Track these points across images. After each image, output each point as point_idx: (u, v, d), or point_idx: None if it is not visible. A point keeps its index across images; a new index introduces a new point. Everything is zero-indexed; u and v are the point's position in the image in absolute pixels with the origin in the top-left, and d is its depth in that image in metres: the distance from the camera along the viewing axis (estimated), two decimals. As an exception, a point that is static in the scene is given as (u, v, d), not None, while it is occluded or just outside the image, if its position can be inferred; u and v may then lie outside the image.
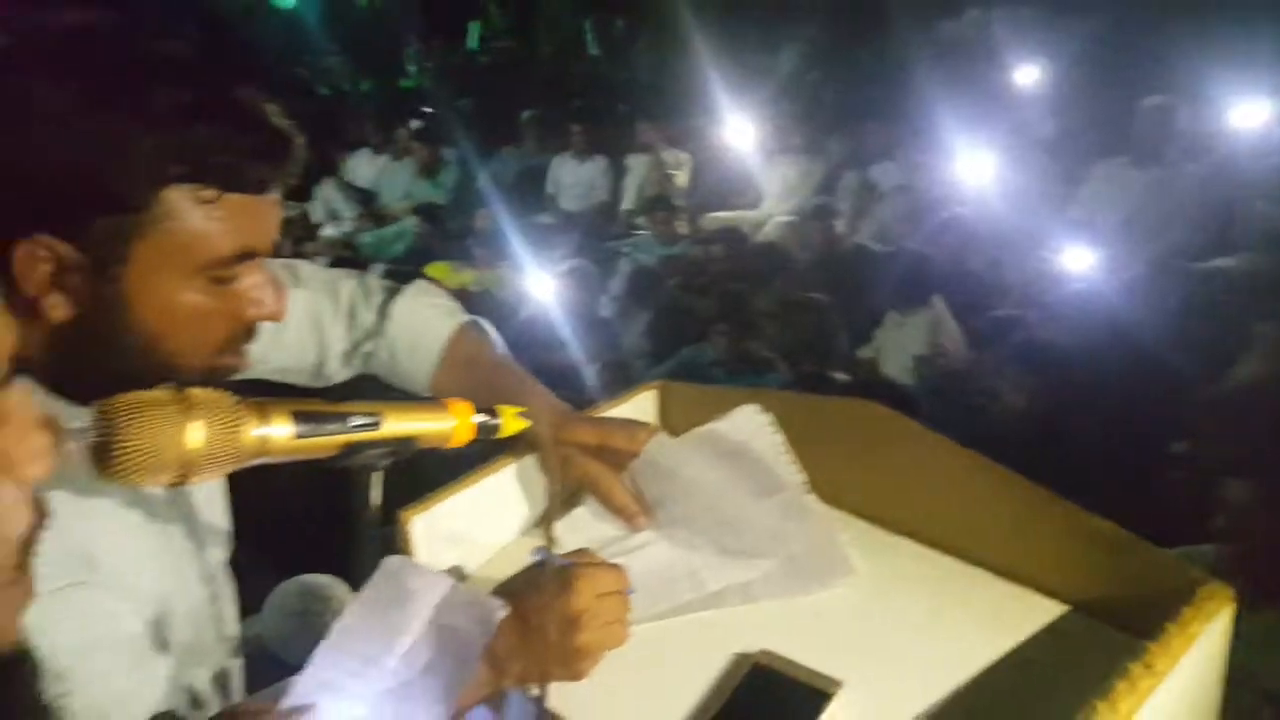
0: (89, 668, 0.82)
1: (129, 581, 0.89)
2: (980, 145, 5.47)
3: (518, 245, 5.37)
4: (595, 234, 5.90)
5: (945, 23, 7.99)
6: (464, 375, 1.21)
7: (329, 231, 6.84)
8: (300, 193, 7.18)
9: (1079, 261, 4.21)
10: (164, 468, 0.68)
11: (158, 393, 0.69)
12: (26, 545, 0.55)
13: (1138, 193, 4.94)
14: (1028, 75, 6.52)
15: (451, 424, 0.83)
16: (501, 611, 0.86)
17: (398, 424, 0.78)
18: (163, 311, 0.82)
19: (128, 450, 0.66)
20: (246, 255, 0.85)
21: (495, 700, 0.99)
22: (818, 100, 7.07)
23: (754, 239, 5.52)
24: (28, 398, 0.55)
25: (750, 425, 1.09)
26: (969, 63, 6.92)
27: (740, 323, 4.11)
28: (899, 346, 4.04)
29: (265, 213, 0.85)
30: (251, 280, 0.87)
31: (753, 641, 0.97)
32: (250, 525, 1.18)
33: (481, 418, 0.85)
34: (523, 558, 0.99)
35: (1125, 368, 2.88)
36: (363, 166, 7.93)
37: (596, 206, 6.55)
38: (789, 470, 1.07)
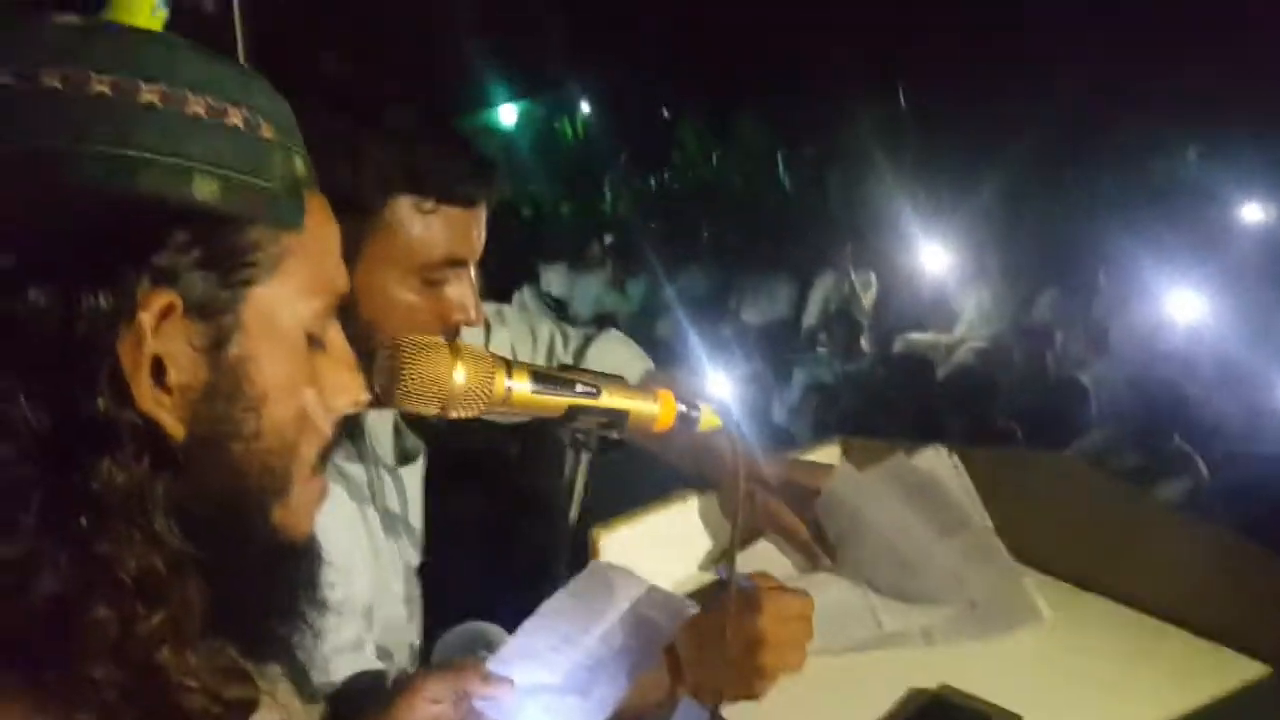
0: None
1: (329, 553, 0.99)
2: (1196, 282, 5.22)
3: (697, 353, 5.54)
4: (774, 346, 5.97)
5: (1161, 160, 7.80)
6: None
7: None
8: (500, 296, 7.69)
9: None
10: (432, 398, 0.81)
11: (433, 337, 0.83)
12: (325, 454, 0.66)
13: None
14: (1252, 213, 6.22)
15: (657, 408, 0.90)
16: (693, 609, 0.91)
17: (613, 398, 0.87)
18: (381, 305, 0.97)
19: (409, 378, 0.79)
20: (456, 262, 1.00)
21: (668, 706, 1.02)
22: (1019, 229, 6.98)
23: (946, 362, 5.43)
24: (341, 337, 0.67)
25: (936, 464, 1.10)
26: (1186, 199, 6.68)
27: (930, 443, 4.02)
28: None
29: (473, 226, 1.01)
30: (458, 288, 1.02)
31: (931, 676, 0.97)
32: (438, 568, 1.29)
33: (684, 408, 0.92)
34: (700, 590, 1.04)
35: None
36: (557, 277, 8.44)
37: (777, 321, 6.65)
38: (975, 510, 1.07)
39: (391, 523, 1.16)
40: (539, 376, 0.85)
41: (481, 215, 1.02)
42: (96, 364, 0.51)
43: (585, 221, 10.06)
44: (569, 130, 12.32)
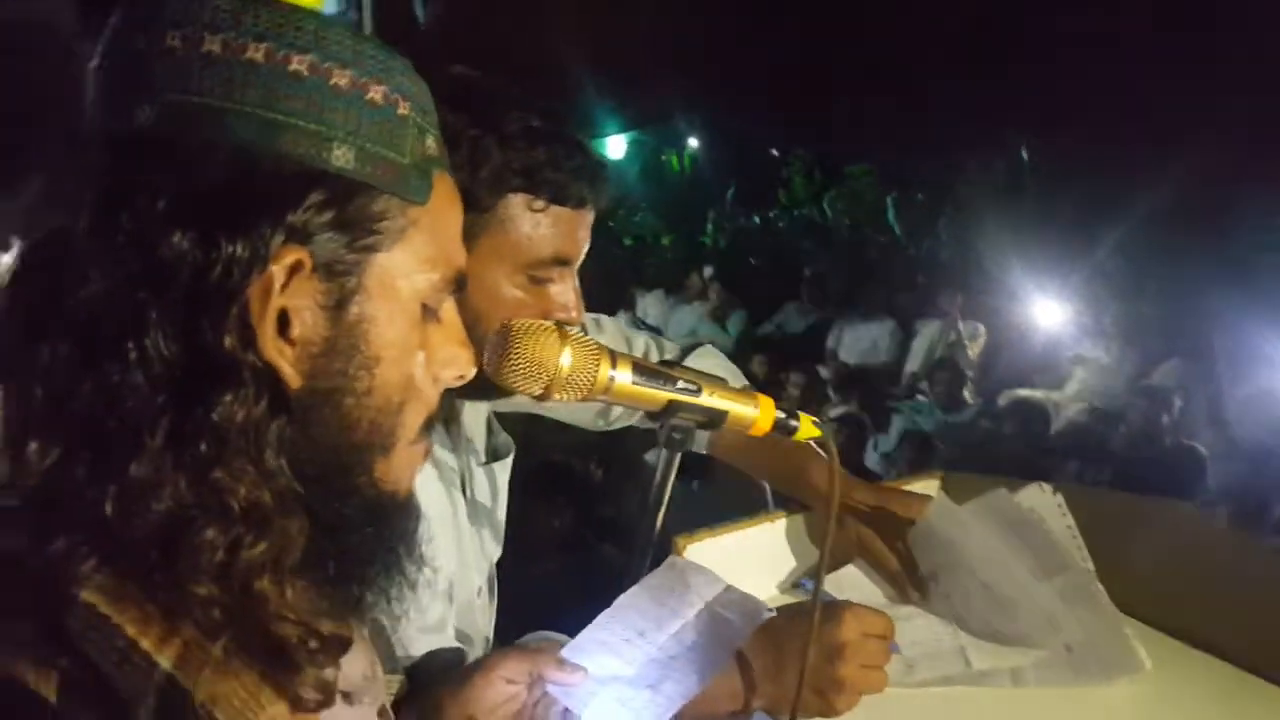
0: None
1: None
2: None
3: (792, 390, 5.46)
4: (872, 390, 5.86)
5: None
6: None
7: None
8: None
9: None
10: (537, 378, 0.83)
11: (543, 321, 0.85)
12: (429, 422, 0.68)
13: None
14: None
15: (757, 411, 0.90)
16: (769, 611, 0.90)
17: (713, 397, 0.87)
18: (488, 298, 1.00)
19: (517, 357, 0.81)
20: (561, 261, 1.03)
21: (742, 717, 1.01)
22: (1139, 290, 6.70)
23: (1057, 419, 5.25)
24: (454, 312, 0.69)
25: (1039, 502, 1.06)
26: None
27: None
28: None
29: (579, 226, 1.04)
30: (561, 286, 1.04)
31: (1016, 716, 0.93)
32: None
33: (782, 415, 0.91)
34: (780, 609, 1.02)
35: None
36: (653, 306, 8.48)
37: (878, 365, 6.53)
38: (1076, 553, 1.03)
39: (477, 513, 1.18)
40: (641, 369, 0.86)
41: (589, 218, 1.05)
42: (227, 307, 0.55)
43: (686, 253, 10.10)
44: (676, 163, 12.44)
